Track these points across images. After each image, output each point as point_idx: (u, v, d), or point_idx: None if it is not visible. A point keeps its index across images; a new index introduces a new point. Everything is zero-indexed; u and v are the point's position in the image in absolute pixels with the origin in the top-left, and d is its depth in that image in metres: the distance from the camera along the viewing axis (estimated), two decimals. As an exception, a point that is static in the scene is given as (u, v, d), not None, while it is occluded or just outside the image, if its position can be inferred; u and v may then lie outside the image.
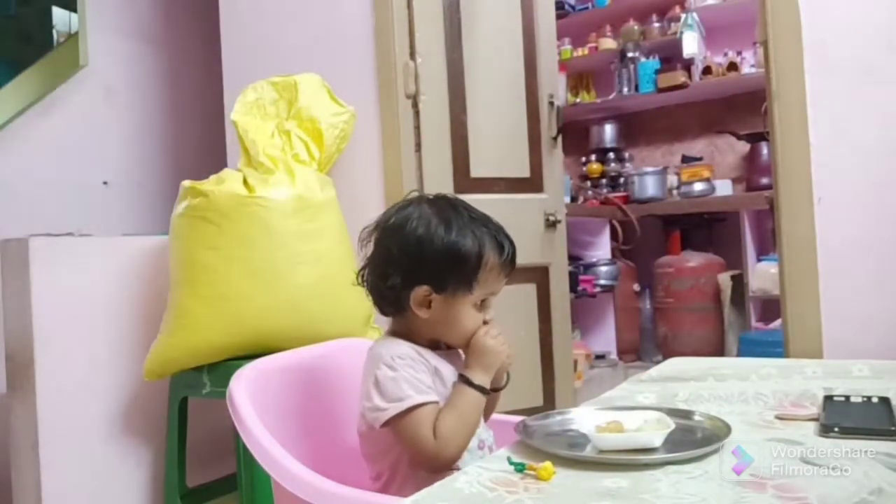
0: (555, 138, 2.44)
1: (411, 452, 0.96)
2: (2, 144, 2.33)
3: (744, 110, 3.87)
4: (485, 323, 1.01)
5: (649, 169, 4.08)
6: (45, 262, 1.77)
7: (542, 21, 2.41)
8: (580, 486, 0.70)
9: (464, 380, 0.98)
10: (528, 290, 2.35)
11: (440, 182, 2.10)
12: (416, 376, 0.95)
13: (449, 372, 1.01)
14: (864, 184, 1.58)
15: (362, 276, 1.04)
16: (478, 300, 1.00)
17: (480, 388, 0.97)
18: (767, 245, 3.60)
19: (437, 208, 1.01)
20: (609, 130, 4.34)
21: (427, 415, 0.94)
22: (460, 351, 1.06)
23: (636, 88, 4.08)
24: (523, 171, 2.35)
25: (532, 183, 2.37)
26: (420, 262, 0.98)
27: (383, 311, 1.04)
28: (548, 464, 0.73)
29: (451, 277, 0.98)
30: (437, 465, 0.93)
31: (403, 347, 0.99)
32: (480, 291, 1.00)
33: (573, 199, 4.02)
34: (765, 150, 3.66)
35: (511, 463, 0.75)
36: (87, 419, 1.86)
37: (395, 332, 1.04)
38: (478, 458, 0.96)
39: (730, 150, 4.04)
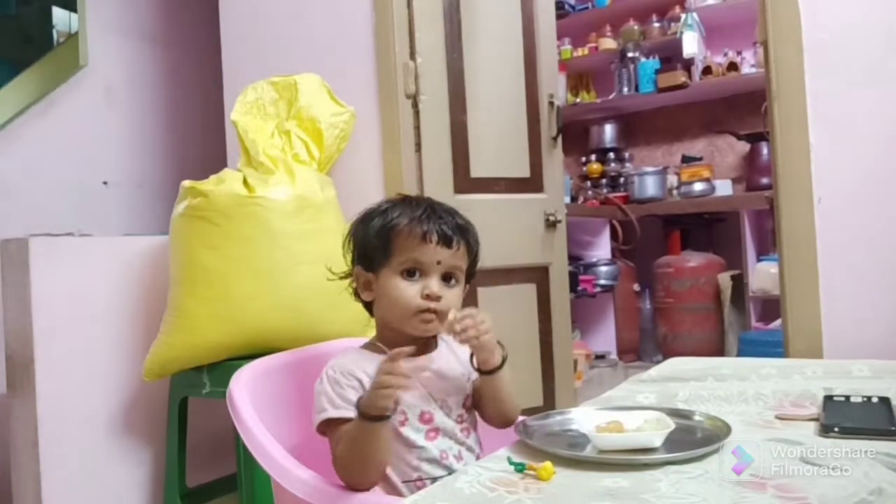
0: (555, 138, 2.43)
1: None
2: (2, 144, 2.33)
3: (744, 110, 3.87)
4: (427, 297, 0.96)
5: (649, 169, 4.08)
6: (45, 262, 1.77)
7: (542, 21, 2.41)
8: (580, 486, 0.70)
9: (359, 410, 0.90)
10: (528, 290, 2.35)
11: (440, 182, 2.10)
12: (339, 391, 0.94)
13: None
14: (864, 184, 1.58)
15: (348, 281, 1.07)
16: (400, 267, 0.98)
17: (366, 416, 0.87)
18: (767, 245, 3.60)
19: (384, 200, 1.06)
20: (609, 130, 4.34)
21: (340, 431, 0.92)
22: (444, 355, 1.04)
23: (636, 88, 4.08)
24: (523, 171, 2.35)
25: (532, 183, 2.37)
26: (353, 248, 1.04)
27: (365, 307, 1.07)
28: (548, 464, 0.73)
29: (370, 251, 1.01)
30: (344, 483, 0.91)
31: (346, 361, 0.98)
32: (398, 257, 0.98)
33: (573, 199, 4.02)
34: (765, 150, 3.66)
35: (511, 463, 0.76)
36: (87, 419, 1.86)
37: (376, 332, 1.06)
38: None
39: (730, 150, 4.04)
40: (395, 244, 0.98)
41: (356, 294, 1.05)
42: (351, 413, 0.91)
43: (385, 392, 0.85)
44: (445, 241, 0.98)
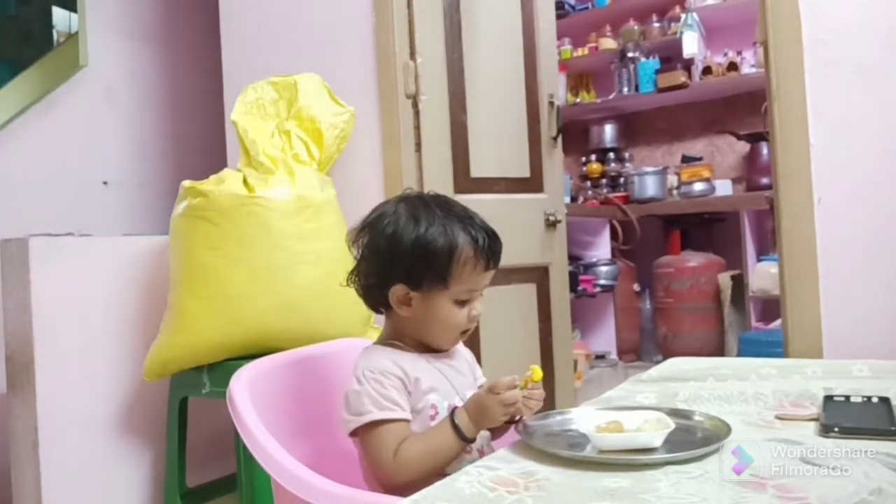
0: (555, 138, 2.43)
1: (369, 466, 0.96)
2: (2, 144, 2.33)
3: (744, 110, 3.87)
4: (471, 319, 0.99)
5: (649, 169, 4.08)
6: (45, 262, 1.77)
7: (542, 21, 2.41)
8: (580, 486, 0.70)
9: (452, 419, 0.93)
10: (528, 290, 2.35)
11: (440, 182, 2.10)
12: (382, 391, 0.93)
13: (434, 378, 0.99)
14: (864, 184, 1.58)
15: (351, 277, 1.04)
16: (457, 296, 0.97)
17: (463, 437, 0.92)
18: (767, 245, 3.60)
19: (409, 206, 1.00)
20: (609, 130, 4.34)
21: (388, 432, 0.92)
22: (457, 352, 1.05)
23: (636, 88, 4.08)
24: (523, 171, 2.35)
25: (532, 183, 2.37)
26: (391, 260, 0.98)
27: (376, 310, 1.04)
28: (534, 369, 0.74)
29: (424, 274, 0.96)
30: (388, 485, 0.92)
31: (379, 359, 0.97)
32: (458, 286, 0.97)
33: (573, 199, 4.02)
34: (765, 150, 3.66)
35: None
36: (87, 419, 1.86)
37: (388, 334, 1.04)
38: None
39: (730, 150, 4.05)
40: (457, 273, 0.96)
41: (369, 299, 1.03)
42: (398, 414, 0.92)
43: (509, 410, 0.90)
44: (496, 265, 1.00)
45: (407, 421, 0.94)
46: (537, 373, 0.84)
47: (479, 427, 0.92)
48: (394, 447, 0.91)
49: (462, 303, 0.98)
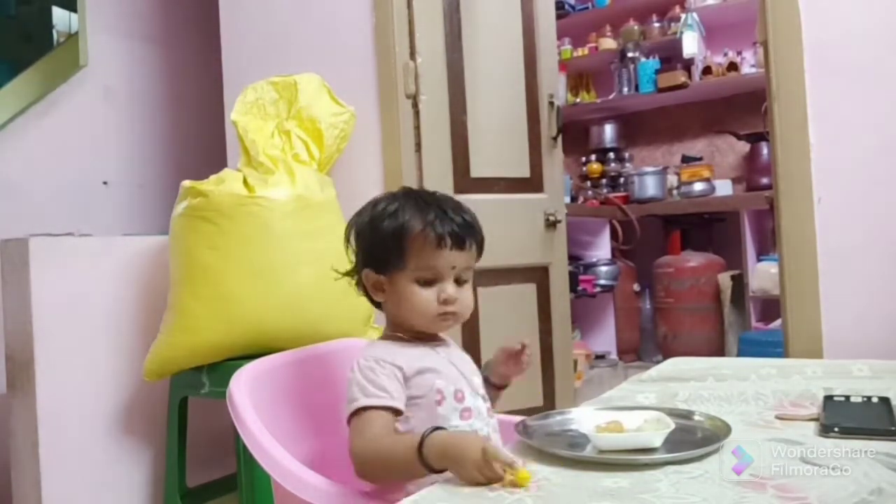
0: (555, 138, 2.43)
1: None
2: (2, 144, 2.33)
3: (744, 110, 3.87)
4: (443, 302, 0.97)
5: (649, 169, 4.08)
6: (45, 262, 1.77)
7: (542, 21, 2.41)
8: (580, 486, 0.70)
9: (421, 443, 0.81)
10: (528, 290, 2.35)
11: (440, 182, 2.09)
12: (372, 378, 0.93)
13: (438, 364, 0.98)
14: (864, 184, 1.58)
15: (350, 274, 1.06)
16: (417, 275, 0.97)
17: (425, 465, 0.80)
18: (767, 245, 3.60)
19: (384, 196, 1.03)
20: (609, 130, 4.34)
21: (368, 418, 0.91)
22: (456, 349, 1.06)
23: (636, 88, 4.08)
24: (523, 171, 2.35)
25: (532, 183, 2.37)
26: (359, 245, 1.02)
27: (373, 303, 1.05)
28: (523, 470, 0.71)
29: (381, 255, 0.99)
30: (355, 469, 0.91)
31: (378, 350, 0.98)
32: (414, 264, 0.97)
33: (573, 199, 4.02)
34: (765, 150, 3.66)
35: None
36: (87, 419, 1.86)
37: (386, 328, 1.05)
38: None
39: (730, 150, 4.04)
40: (409, 250, 0.96)
41: (365, 292, 1.04)
42: (384, 401, 0.91)
43: (480, 479, 0.73)
44: (459, 245, 0.98)
45: (393, 409, 0.93)
46: (524, 478, 0.73)
47: (446, 464, 0.79)
48: (369, 433, 0.90)
49: (426, 283, 0.97)
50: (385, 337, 1.03)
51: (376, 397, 0.92)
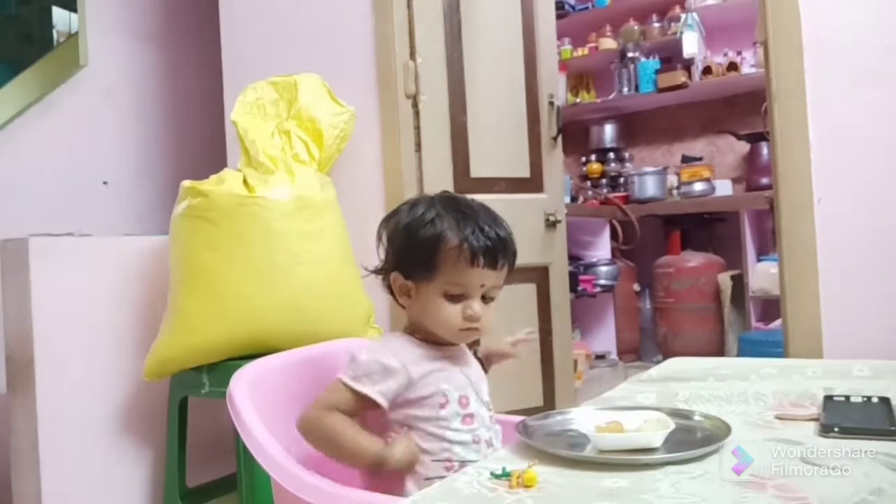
0: (555, 138, 2.43)
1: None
2: (2, 144, 2.33)
3: (744, 110, 3.87)
4: (468, 318, 0.98)
5: (649, 169, 4.08)
6: (45, 262, 1.77)
7: (542, 21, 2.41)
8: (580, 486, 0.70)
9: (383, 450, 0.94)
10: (528, 290, 2.35)
11: (440, 182, 2.09)
12: (367, 369, 0.96)
13: (446, 369, 1.00)
14: (864, 184, 1.58)
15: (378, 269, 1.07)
16: (445, 289, 0.97)
17: (374, 463, 0.94)
18: (767, 245, 3.60)
19: (423, 198, 1.04)
20: (609, 130, 4.34)
21: (336, 392, 0.96)
22: (470, 359, 1.06)
23: (636, 88, 4.08)
24: (523, 171, 2.35)
25: (532, 183, 2.37)
26: (391, 247, 1.02)
27: (398, 302, 1.06)
28: (530, 470, 0.71)
29: (413, 262, 0.99)
30: (298, 424, 0.98)
31: (395, 343, 1.01)
32: (443, 279, 0.97)
33: (573, 199, 4.01)
34: (765, 150, 3.66)
35: (493, 476, 0.73)
36: (87, 419, 1.86)
37: (406, 324, 1.05)
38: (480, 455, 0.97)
39: (730, 150, 4.04)
40: (441, 263, 0.96)
41: (390, 292, 1.04)
42: (364, 389, 0.95)
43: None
44: (491, 265, 0.98)
45: (370, 399, 0.95)
46: (531, 479, 0.75)
47: (399, 462, 0.93)
48: (329, 404, 0.95)
49: (453, 298, 0.98)
50: (405, 330, 1.05)
51: (359, 383, 0.95)
